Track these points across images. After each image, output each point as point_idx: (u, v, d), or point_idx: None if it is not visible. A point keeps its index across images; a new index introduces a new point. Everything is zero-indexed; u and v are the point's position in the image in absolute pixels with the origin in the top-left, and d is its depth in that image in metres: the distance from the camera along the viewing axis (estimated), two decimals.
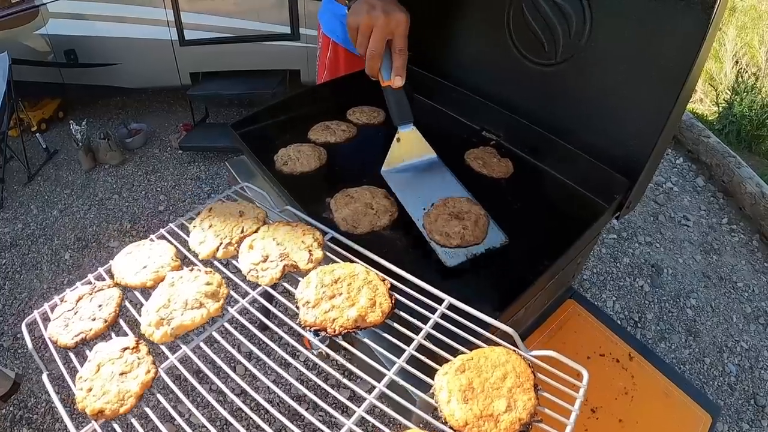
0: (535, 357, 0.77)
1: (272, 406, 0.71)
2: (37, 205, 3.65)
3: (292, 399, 0.73)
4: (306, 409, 0.70)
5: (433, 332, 0.80)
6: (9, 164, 3.96)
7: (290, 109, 1.46)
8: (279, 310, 0.86)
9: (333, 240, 0.98)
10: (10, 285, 3.03)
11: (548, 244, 1.07)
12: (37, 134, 4.19)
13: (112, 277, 0.96)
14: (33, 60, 4.12)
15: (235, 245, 0.95)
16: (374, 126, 1.46)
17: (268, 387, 0.76)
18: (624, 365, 1.31)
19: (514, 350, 0.77)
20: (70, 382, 0.79)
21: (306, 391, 0.74)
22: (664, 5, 1.05)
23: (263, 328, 0.88)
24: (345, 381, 0.75)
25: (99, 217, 3.51)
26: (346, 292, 0.84)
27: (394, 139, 1.17)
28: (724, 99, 4.43)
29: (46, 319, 0.91)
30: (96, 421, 0.73)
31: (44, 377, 0.81)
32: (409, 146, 1.19)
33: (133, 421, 0.73)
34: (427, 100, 1.58)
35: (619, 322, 2.43)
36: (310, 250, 0.93)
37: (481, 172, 1.27)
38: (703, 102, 4.58)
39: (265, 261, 0.90)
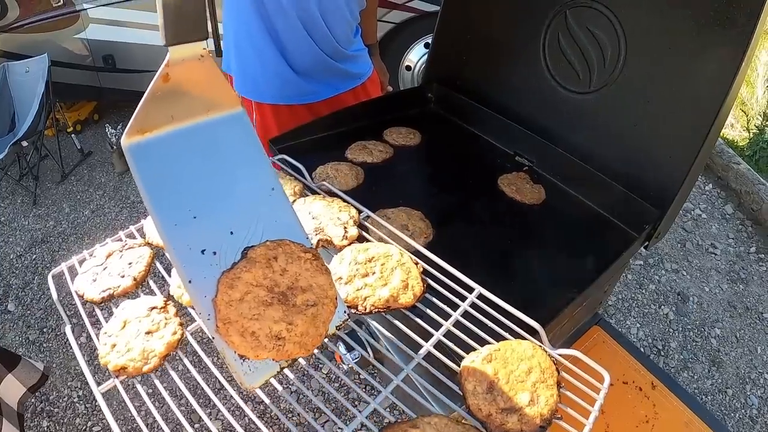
0: (559, 355, 0.78)
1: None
2: (69, 204, 3.73)
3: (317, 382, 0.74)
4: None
5: (462, 320, 0.81)
6: (44, 162, 4.06)
7: (328, 127, 1.50)
8: None
9: (369, 220, 0.99)
10: (39, 280, 3.09)
11: (578, 273, 1.09)
12: (73, 135, 4.29)
13: (143, 236, 0.95)
14: (72, 63, 4.21)
15: None
16: (410, 148, 1.48)
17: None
18: (647, 394, 1.31)
19: (540, 346, 0.78)
20: (93, 337, 0.77)
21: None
22: (701, 33, 1.06)
23: None
24: (375, 382, 0.76)
25: (130, 219, 3.53)
26: (380, 271, 0.84)
27: (157, 75, 0.62)
28: (755, 125, 4.36)
29: (73, 273, 0.89)
30: (117, 377, 0.72)
31: (67, 329, 0.79)
32: (191, 89, 0.65)
33: (156, 381, 0.71)
34: (463, 124, 1.60)
35: (642, 349, 2.40)
36: (345, 227, 0.93)
37: (514, 198, 1.29)
38: (734, 127, 4.52)
39: None
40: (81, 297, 0.85)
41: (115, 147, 3.96)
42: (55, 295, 0.86)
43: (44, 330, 2.76)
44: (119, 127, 3.99)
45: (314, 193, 1.05)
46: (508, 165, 1.42)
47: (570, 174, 1.35)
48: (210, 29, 0.67)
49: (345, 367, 0.96)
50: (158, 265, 0.90)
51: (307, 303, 0.65)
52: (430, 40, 3.63)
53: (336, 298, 0.68)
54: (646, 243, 1.23)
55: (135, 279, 0.85)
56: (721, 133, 4.41)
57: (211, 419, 0.64)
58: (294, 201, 1.00)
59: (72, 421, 2.31)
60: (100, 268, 0.88)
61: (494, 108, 1.50)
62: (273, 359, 0.62)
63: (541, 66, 1.39)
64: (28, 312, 2.88)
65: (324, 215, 0.94)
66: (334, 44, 1.68)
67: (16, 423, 1.66)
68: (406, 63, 3.83)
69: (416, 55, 3.79)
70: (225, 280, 0.62)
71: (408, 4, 3.50)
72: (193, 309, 0.76)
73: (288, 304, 0.64)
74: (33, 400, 2.37)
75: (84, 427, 2.27)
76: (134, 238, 0.96)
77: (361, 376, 0.78)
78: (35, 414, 2.33)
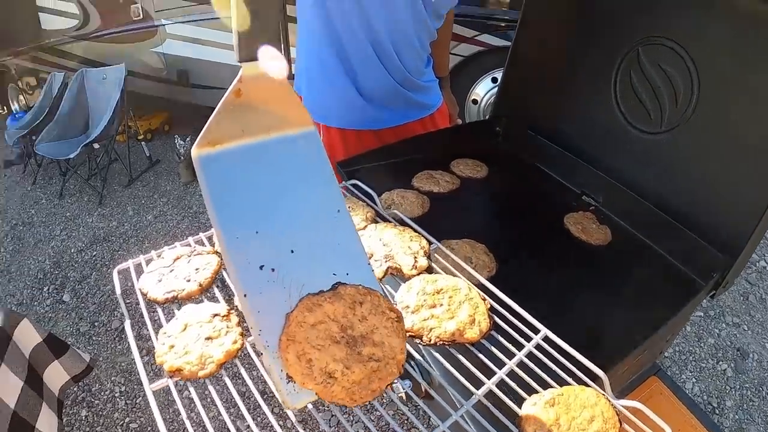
0: (622, 406, 0.75)
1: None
2: (133, 207, 3.91)
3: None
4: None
5: (526, 360, 0.79)
6: (113, 166, 4.30)
7: (396, 155, 1.53)
8: None
9: (438, 252, 0.99)
10: (96, 276, 3.23)
11: (642, 319, 1.06)
12: (143, 143, 4.51)
13: (212, 244, 0.96)
14: (147, 74, 4.44)
15: None
16: (476, 180, 1.49)
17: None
18: None
19: (603, 394, 0.76)
20: (152, 336, 0.77)
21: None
22: None
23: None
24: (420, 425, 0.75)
25: (191, 228, 3.66)
26: (447, 304, 0.83)
27: (230, 90, 0.64)
28: None
29: (138, 272, 0.91)
30: (171, 378, 0.72)
31: (126, 324, 0.80)
32: (262, 105, 0.66)
33: (210, 388, 0.71)
34: (530, 160, 1.60)
35: None
36: (415, 257, 0.93)
37: (580, 238, 1.27)
38: None
39: (369, 258, 0.88)
40: (144, 295, 0.86)
41: (182, 158, 4.12)
42: (118, 289, 0.88)
43: (95, 324, 2.87)
44: (188, 139, 4.16)
45: (385, 220, 1.06)
46: (575, 204, 1.41)
47: (637, 216, 1.32)
48: (282, 53, 0.68)
49: (395, 393, 0.96)
50: (224, 274, 0.91)
51: (372, 356, 0.64)
52: (497, 75, 3.64)
53: (402, 365, 0.67)
54: (713, 292, 1.19)
55: (201, 284, 0.86)
56: None
57: (258, 428, 0.64)
58: (365, 227, 1.01)
59: (111, 415, 2.36)
60: (167, 269, 0.89)
61: (562, 145, 1.50)
62: (316, 393, 0.61)
63: (611, 104, 1.38)
64: (82, 305, 3.01)
65: (395, 243, 0.95)
66: (405, 73, 1.70)
67: (55, 408, 1.70)
68: (473, 97, 3.81)
69: (483, 89, 3.78)
70: (306, 302, 0.62)
71: (477, 38, 3.52)
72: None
73: (353, 350, 0.63)
74: (75, 389, 2.45)
75: (122, 422, 2.32)
76: (203, 245, 0.98)
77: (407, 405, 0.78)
78: (76, 402, 2.41)
